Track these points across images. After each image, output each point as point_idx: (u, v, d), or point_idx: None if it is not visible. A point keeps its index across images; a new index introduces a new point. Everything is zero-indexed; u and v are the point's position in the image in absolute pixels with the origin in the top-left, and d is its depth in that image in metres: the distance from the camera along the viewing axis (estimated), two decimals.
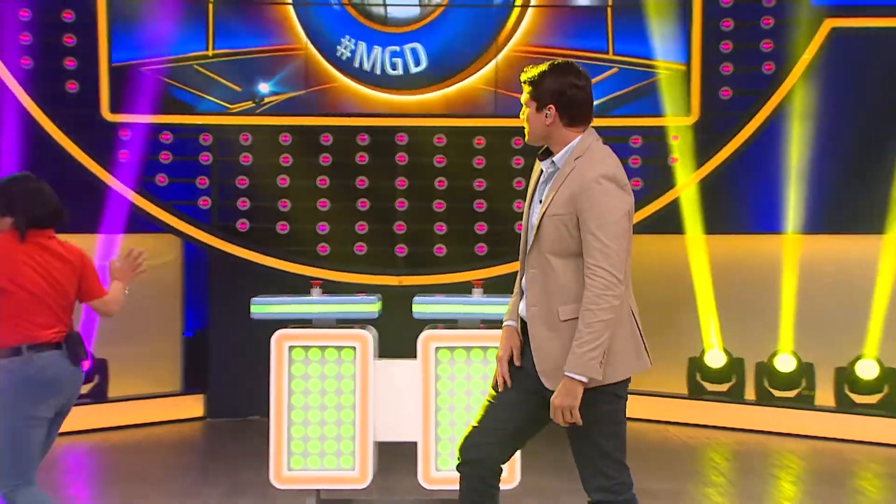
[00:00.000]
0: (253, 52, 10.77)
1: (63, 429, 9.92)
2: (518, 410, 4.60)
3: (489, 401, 4.68)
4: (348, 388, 7.42)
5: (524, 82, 4.62)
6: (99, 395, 10.61)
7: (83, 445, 9.79)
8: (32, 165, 10.42)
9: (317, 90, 10.81)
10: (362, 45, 10.87)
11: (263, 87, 10.81)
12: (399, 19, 10.94)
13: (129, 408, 10.62)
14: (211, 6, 10.71)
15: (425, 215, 10.85)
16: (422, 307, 7.46)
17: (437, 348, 7.45)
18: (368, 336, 7.45)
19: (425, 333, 7.45)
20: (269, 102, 10.80)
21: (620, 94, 10.82)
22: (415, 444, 7.33)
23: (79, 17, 10.72)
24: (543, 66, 4.60)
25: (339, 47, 10.87)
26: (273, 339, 7.34)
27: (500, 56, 10.89)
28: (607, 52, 10.78)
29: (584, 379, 4.38)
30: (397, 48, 10.88)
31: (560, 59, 4.63)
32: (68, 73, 10.68)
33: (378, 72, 10.87)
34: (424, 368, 7.39)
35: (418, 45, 10.88)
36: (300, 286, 7.81)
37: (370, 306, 7.50)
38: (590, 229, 4.39)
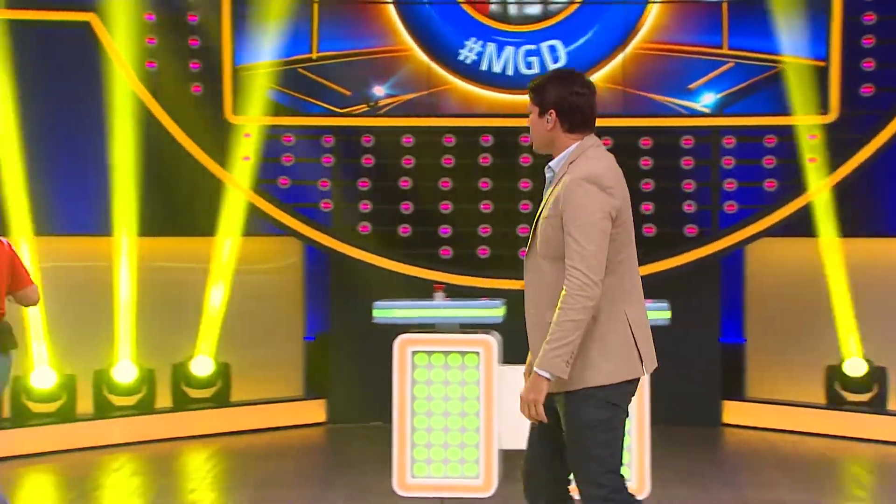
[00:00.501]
0: (356, 55, 10.65)
1: (186, 432, 10.34)
2: (549, 431, 4.66)
3: (530, 428, 4.79)
4: (472, 395, 7.30)
5: (529, 88, 4.69)
6: (222, 400, 10.58)
7: (206, 449, 9.78)
8: (155, 168, 10.44)
9: (435, 92, 10.66)
10: (491, 47, 10.68)
11: (378, 91, 10.69)
12: (529, 17, 10.73)
13: (251, 412, 10.59)
14: (316, 6, 10.61)
15: None
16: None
17: None
18: (493, 341, 7.33)
19: None
20: (384, 105, 10.68)
21: (736, 89, 10.51)
22: None
23: (203, 19, 10.70)
24: (546, 74, 4.70)
25: (462, 50, 10.69)
26: (396, 343, 7.23)
27: (626, 53, 10.64)
28: (721, 47, 10.48)
29: (547, 375, 4.41)
30: (533, 46, 10.66)
31: (564, 67, 4.70)
32: (193, 75, 10.67)
33: (510, 72, 10.66)
34: None
35: (557, 43, 10.64)
36: (422, 290, 7.67)
37: (494, 311, 7.41)
38: (568, 230, 4.44)
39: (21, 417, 9.82)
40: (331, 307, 10.78)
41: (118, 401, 10.20)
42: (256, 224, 10.64)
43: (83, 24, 10.32)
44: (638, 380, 4.59)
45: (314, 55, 10.67)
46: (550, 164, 4.65)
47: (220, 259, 10.56)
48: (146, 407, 10.24)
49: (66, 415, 9.90)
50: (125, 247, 10.28)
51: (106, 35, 10.38)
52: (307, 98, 10.70)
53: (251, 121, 10.58)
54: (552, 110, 4.61)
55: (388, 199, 10.72)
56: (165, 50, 10.62)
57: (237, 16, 10.60)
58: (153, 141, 10.41)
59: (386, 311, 7.23)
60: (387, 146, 10.78)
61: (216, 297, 10.57)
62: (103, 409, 10.15)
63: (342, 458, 9.33)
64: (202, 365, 10.53)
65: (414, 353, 7.22)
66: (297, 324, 11.10)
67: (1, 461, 9.24)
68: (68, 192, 10.52)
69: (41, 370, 10.02)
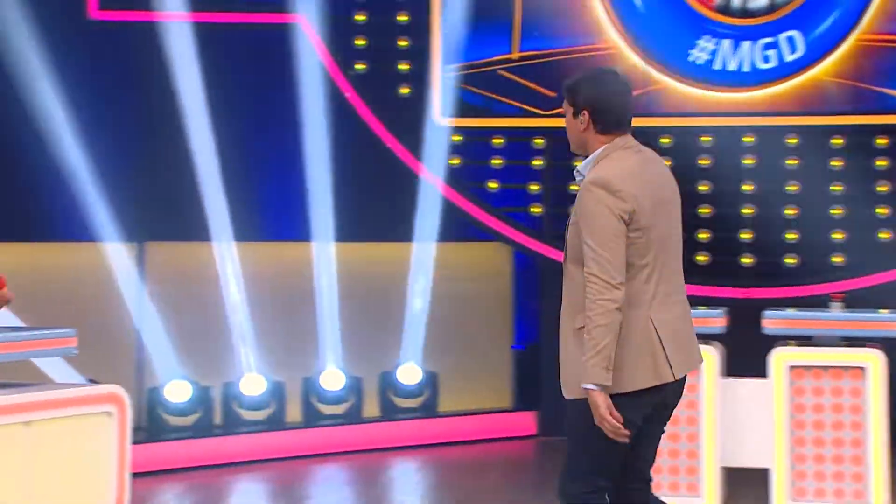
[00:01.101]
0: (559, 54, 10.31)
1: (393, 443, 10.19)
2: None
3: None
4: (693, 409, 6.97)
5: (564, 87, 4.66)
6: (429, 410, 10.39)
7: (413, 461, 9.62)
8: (363, 170, 10.32)
9: (650, 92, 10.25)
10: (726, 44, 10.19)
11: None
12: (757, 9, 10.20)
13: (459, 423, 10.35)
14: (519, 4, 10.33)
15: (774, 223, 10.15)
16: (773, 322, 7.01)
17: (792, 367, 6.96)
18: (715, 353, 7.00)
19: (778, 350, 6.94)
20: None
21: None
22: (765, 470, 6.86)
23: (414, 20, 10.54)
24: (581, 74, 4.66)
25: (693, 50, 10.21)
26: (772, 358, 6.99)
27: (849, 43, 10.04)
28: None
29: (592, 387, 4.40)
30: (771, 39, 10.14)
31: (600, 67, 4.72)
32: (402, 76, 10.52)
33: (746, 69, 10.15)
34: (777, 389, 6.86)
35: (796, 33, 10.11)
36: None
37: (714, 320, 7.13)
38: (583, 236, 4.47)
39: (232, 424, 9.79)
40: (541, 316, 10.49)
41: (325, 409, 10.06)
42: (463, 229, 10.48)
43: (291, 26, 10.26)
44: (664, 387, 4.50)
45: (514, 55, 10.39)
46: (578, 167, 4.63)
47: (424, 265, 10.43)
48: (353, 416, 10.11)
49: (275, 423, 9.85)
50: (327, 253, 10.21)
51: (315, 37, 10.32)
52: (505, 99, 10.44)
53: (460, 122, 10.40)
54: (585, 111, 4.58)
55: None
56: (374, 51, 10.50)
57: (447, 15, 10.39)
58: (357, 144, 10.32)
59: (779, 321, 6.97)
60: None
61: (421, 305, 10.42)
62: (311, 418, 10.04)
63: (553, 472, 9.00)
64: (409, 374, 10.34)
65: (791, 367, 6.91)
66: (504, 332, 10.87)
67: (211, 468, 9.20)
68: (274, 197, 10.46)
69: (250, 377, 9.96)
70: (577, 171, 4.64)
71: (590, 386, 4.40)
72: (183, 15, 10.07)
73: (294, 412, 10.05)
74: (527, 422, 10.48)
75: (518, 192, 10.49)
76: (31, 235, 10.12)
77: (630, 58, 10.29)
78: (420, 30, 10.48)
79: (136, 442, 8.91)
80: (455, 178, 10.37)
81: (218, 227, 10.01)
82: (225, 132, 10.02)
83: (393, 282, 10.45)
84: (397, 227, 10.38)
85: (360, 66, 10.46)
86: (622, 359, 4.43)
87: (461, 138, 10.43)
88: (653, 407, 4.52)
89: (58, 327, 5.70)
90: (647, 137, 10.11)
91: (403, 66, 10.54)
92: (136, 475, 6.00)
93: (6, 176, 10.05)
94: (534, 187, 10.48)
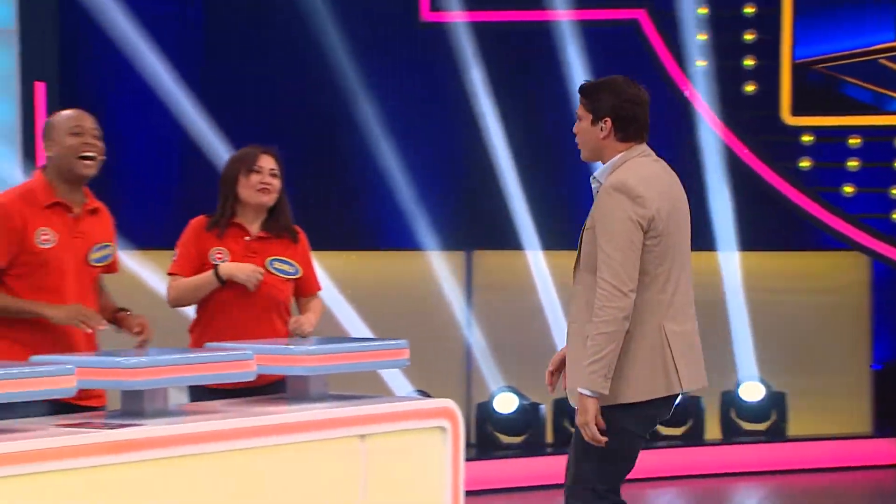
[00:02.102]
0: None
1: (737, 468, 9.46)
2: None
3: None
4: None
5: (580, 92, 4.68)
6: (777, 434, 9.74)
7: (760, 488, 9.14)
8: (693, 172, 9.84)
9: None
10: None
11: None
12: None
13: (810, 449, 9.68)
14: None
15: None
16: None
17: None
18: None
19: None
20: None
21: None
22: None
23: (761, 12, 10.02)
24: (601, 80, 4.68)
25: None
26: None
27: None
28: None
29: (589, 393, 4.47)
30: None
31: (618, 74, 4.67)
32: (747, 72, 10.03)
33: None
34: None
35: None
36: None
37: None
38: (598, 240, 4.51)
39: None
40: None
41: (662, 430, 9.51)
42: (813, 237, 9.98)
43: (631, 22, 9.93)
44: (673, 398, 4.58)
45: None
46: (595, 174, 4.65)
47: (769, 275, 10.01)
48: (692, 437, 9.60)
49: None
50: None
51: (654, 32, 9.93)
52: (889, 93, 9.84)
53: (811, 121, 9.90)
54: (607, 118, 4.60)
55: None
56: (717, 46, 10.01)
57: (800, 6, 9.87)
58: (693, 144, 9.92)
59: None
60: None
61: (765, 318, 9.92)
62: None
63: None
64: (751, 393, 9.73)
65: None
66: (861, 350, 10.18)
67: (539, 489, 8.87)
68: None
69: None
70: (594, 178, 4.65)
71: (585, 392, 4.47)
72: (516, 14, 9.92)
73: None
74: (888, 449, 9.75)
75: (877, 197, 9.91)
76: (358, 244, 10.03)
77: None
78: (768, 22, 9.99)
79: (466, 459, 8.80)
80: (805, 181, 9.85)
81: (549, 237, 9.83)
82: (549, 135, 9.76)
83: (714, 293, 9.91)
84: (742, 234, 9.92)
85: (701, 63, 10.01)
86: (632, 367, 4.49)
87: (812, 138, 9.95)
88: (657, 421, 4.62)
89: (391, 338, 5.53)
90: None
91: (749, 62, 10.07)
92: (466, 493, 5.65)
93: (334, 185, 10.02)
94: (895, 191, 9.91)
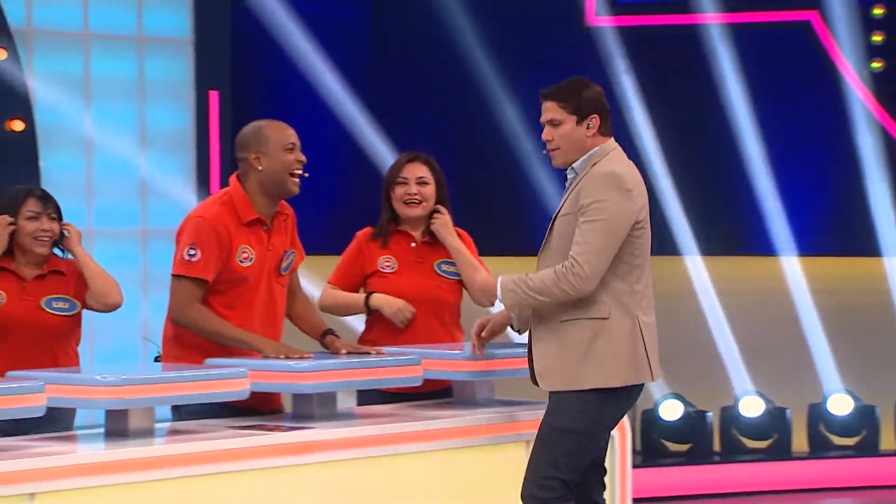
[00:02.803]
0: None
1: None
2: None
3: None
4: None
5: (552, 98, 4.72)
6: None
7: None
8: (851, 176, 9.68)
9: None
10: None
11: None
12: None
13: None
14: None
15: None
16: None
17: None
18: None
19: None
20: None
21: None
22: None
23: None
24: (568, 82, 4.74)
25: None
26: None
27: None
28: None
29: (498, 290, 4.66)
30: None
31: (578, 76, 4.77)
32: None
33: None
34: None
35: None
36: None
37: None
38: (580, 223, 4.57)
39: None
40: None
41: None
42: None
43: (803, 23, 9.74)
44: (640, 389, 4.69)
45: None
46: (574, 165, 4.70)
47: None
48: (778, 451, 9.29)
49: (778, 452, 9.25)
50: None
51: (826, 33, 9.72)
52: None
53: None
54: (595, 115, 4.69)
55: None
56: (893, 47, 9.77)
57: None
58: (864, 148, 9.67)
59: None
60: None
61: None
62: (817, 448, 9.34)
63: None
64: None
65: None
66: None
67: (706, 497, 8.80)
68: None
69: (749, 400, 9.35)
70: (571, 169, 4.69)
71: (499, 289, 4.63)
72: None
73: (801, 441, 9.35)
74: None
75: None
76: (525, 250, 9.86)
77: None
78: None
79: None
80: None
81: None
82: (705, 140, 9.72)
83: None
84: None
85: (876, 65, 9.77)
86: (610, 353, 4.57)
87: None
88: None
89: None
90: None
91: None
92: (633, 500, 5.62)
93: (497, 189, 9.98)
94: None
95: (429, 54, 9.89)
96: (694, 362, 9.62)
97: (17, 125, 8.00)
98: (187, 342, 4.92)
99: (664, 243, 9.74)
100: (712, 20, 9.69)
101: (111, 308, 5.14)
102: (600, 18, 9.93)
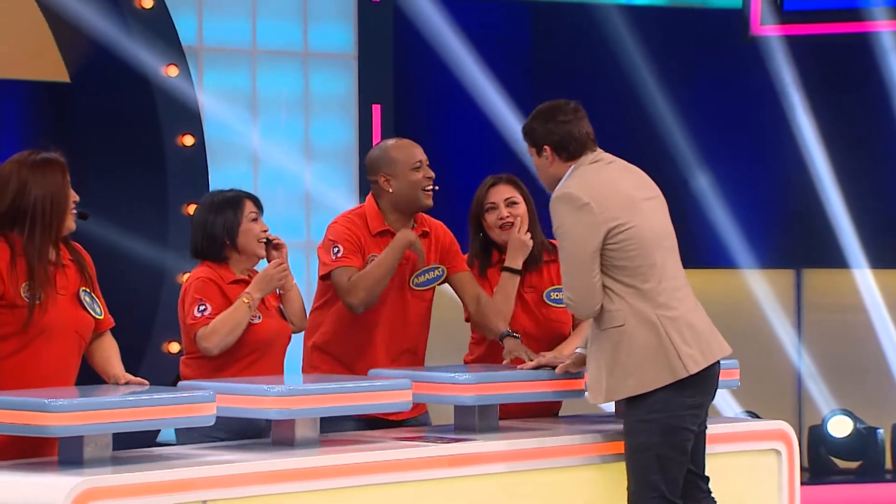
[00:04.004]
0: None
1: None
2: None
3: None
4: None
5: (522, 132, 4.89)
6: None
7: None
8: None
9: None
10: None
11: None
12: None
13: None
14: None
15: None
16: None
17: None
18: None
19: None
20: None
21: None
22: None
23: None
24: (532, 113, 4.89)
25: None
26: None
27: None
28: None
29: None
30: None
31: (546, 102, 4.88)
32: None
33: None
34: None
35: None
36: None
37: None
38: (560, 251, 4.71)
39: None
40: None
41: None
42: None
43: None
44: (697, 388, 4.61)
45: None
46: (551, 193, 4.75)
47: None
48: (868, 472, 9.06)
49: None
50: None
51: None
52: None
53: None
54: (546, 146, 4.76)
55: None
56: None
57: None
58: None
59: None
60: None
61: None
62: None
63: None
64: None
65: None
66: None
67: None
68: None
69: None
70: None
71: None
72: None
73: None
74: None
75: None
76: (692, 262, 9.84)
77: None
78: None
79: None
80: None
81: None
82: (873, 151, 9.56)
83: None
84: None
85: None
86: (633, 360, 4.58)
87: None
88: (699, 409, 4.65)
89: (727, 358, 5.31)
90: None
91: None
92: None
93: None
94: None
95: (590, 67, 9.86)
96: (864, 378, 9.44)
97: (188, 140, 8.17)
98: (328, 350, 5.09)
99: (832, 255, 9.60)
100: (884, 27, 9.50)
101: (304, 328, 5.17)
102: (765, 28, 9.80)
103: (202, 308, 4.79)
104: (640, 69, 9.51)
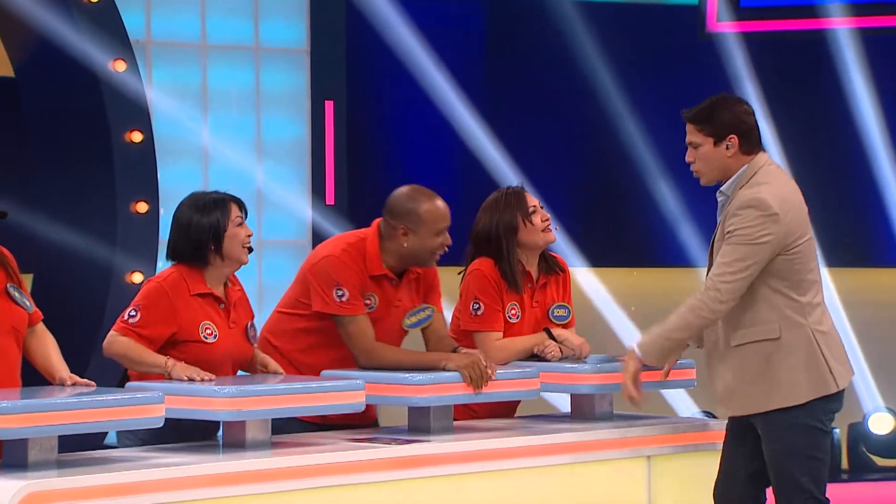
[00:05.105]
0: None
1: None
2: (746, 449, 4.74)
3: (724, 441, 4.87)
4: None
5: (690, 120, 4.78)
6: None
7: None
8: None
9: None
10: None
11: None
12: None
13: None
14: None
15: None
16: None
17: None
18: None
19: None
20: None
21: None
22: None
23: None
24: (708, 102, 4.80)
25: None
26: None
27: None
28: None
29: (640, 354, 4.75)
30: None
31: (719, 94, 4.81)
32: None
33: None
34: None
35: None
36: None
37: None
38: (723, 245, 4.64)
39: (860, 470, 9.00)
40: None
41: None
42: None
43: None
44: (837, 397, 4.65)
45: None
46: (722, 188, 4.74)
47: None
48: None
49: None
50: None
51: None
52: None
53: None
54: (733, 136, 4.70)
55: None
56: None
57: None
58: None
59: None
60: None
61: None
62: None
63: None
64: None
65: None
66: None
67: None
68: None
69: (879, 416, 9.08)
70: (721, 193, 4.72)
71: (638, 352, 4.73)
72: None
73: None
74: None
75: None
76: (643, 261, 9.83)
77: None
78: None
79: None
80: None
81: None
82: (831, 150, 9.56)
83: None
84: None
85: None
86: (794, 369, 4.58)
87: None
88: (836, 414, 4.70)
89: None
90: None
91: None
92: None
93: (619, 200, 9.84)
94: None
95: (545, 62, 9.83)
96: None
97: (136, 136, 8.06)
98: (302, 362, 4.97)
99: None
100: (839, 24, 9.52)
101: None
102: (722, 24, 9.80)
103: (133, 315, 4.55)
104: (597, 65, 9.48)
